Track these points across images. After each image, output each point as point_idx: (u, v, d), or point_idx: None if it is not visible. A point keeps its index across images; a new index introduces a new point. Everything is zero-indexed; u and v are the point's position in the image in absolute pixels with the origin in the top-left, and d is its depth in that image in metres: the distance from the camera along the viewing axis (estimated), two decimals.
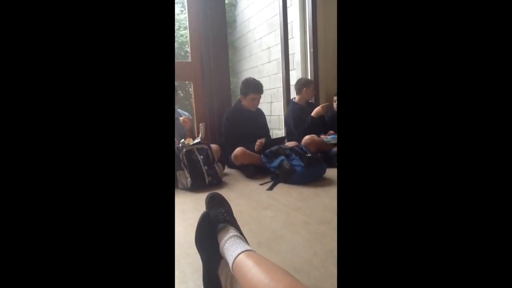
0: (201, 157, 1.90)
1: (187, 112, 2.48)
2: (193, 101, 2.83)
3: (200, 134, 2.07)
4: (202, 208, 1.49)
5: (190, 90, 3.39)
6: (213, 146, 2.14)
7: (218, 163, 1.98)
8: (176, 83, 2.22)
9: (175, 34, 6.34)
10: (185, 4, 2.69)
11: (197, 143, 1.98)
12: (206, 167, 1.86)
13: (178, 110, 2.37)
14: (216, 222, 0.75)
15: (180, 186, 1.87)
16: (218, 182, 1.89)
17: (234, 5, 2.99)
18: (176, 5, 6.68)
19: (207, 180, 1.83)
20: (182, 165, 1.85)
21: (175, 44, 6.40)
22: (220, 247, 0.69)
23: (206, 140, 2.14)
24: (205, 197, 0.92)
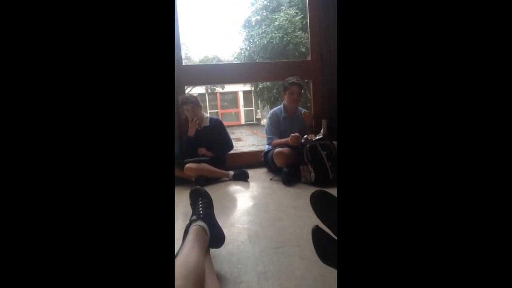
0: (325, 153, 1.92)
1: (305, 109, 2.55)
2: (312, 99, 2.88)
3: (322, 130, 2.09)
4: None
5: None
6: (335, 143, 2.12)
7: None
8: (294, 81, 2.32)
9: (291, 36, 6.65)
10: (302, 5, 2.74)
11: (319, 139, 2.00)
12: (330, 163, 1.86)
13: (299, 108, 2.46)
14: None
15: (303, 180, 1.94)
16: None
17: None
18: (292, 8, 6.98)
19: (331, 175, 1.84)
20: (306, 159, 1.91)
21: (291, 45, 6.70)
22: None
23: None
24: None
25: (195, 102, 2.23)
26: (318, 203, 0.81)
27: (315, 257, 0.97)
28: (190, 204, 1.06)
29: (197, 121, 2.24)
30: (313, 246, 1.03)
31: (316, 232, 0.75)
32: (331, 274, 0.86)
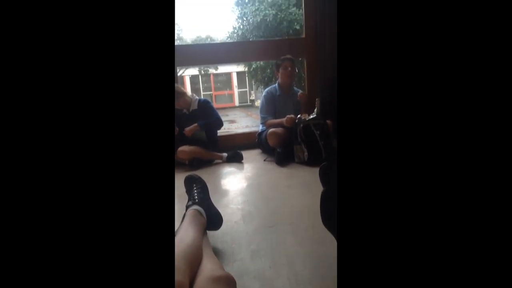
0: (318, 132, 1.91)
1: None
2: (305, 78, 2.83)
3: (316, 109, 2.07)
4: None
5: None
6: (328, 122, 2.10)
7: (334, 139, 1.95)
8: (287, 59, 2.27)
9: (285, 12, 6.44)
10: None
11: (313, 119, 1.99)
12: (323, 142, 1.86)
13: (294, 88, 2.42)
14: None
15: (296, 160, 1.94)
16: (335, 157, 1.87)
17: None
18: None
19: (323, 154, 1.84)
20: (299, 139, 1.91)
21: (285, 22, 6.51)
22: None
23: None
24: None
25: (176, 92, 2.13)
26: (327, 175, 0.84)
27: (308, 234, 0.99)
28: (186, 191, 1.06)
29: (184, 111, 2.22)
30: (305, 224, 1.05)
31: (325, 196, 0.77)
32: (323, 250, 0.87)
